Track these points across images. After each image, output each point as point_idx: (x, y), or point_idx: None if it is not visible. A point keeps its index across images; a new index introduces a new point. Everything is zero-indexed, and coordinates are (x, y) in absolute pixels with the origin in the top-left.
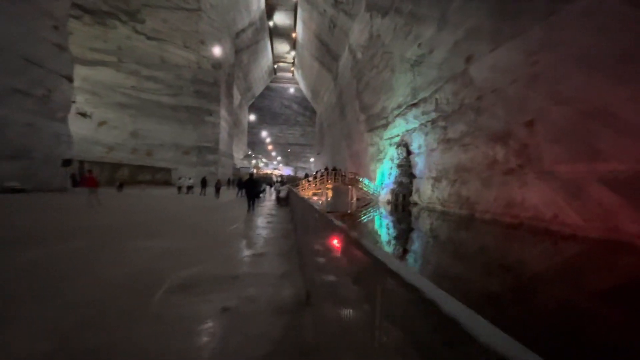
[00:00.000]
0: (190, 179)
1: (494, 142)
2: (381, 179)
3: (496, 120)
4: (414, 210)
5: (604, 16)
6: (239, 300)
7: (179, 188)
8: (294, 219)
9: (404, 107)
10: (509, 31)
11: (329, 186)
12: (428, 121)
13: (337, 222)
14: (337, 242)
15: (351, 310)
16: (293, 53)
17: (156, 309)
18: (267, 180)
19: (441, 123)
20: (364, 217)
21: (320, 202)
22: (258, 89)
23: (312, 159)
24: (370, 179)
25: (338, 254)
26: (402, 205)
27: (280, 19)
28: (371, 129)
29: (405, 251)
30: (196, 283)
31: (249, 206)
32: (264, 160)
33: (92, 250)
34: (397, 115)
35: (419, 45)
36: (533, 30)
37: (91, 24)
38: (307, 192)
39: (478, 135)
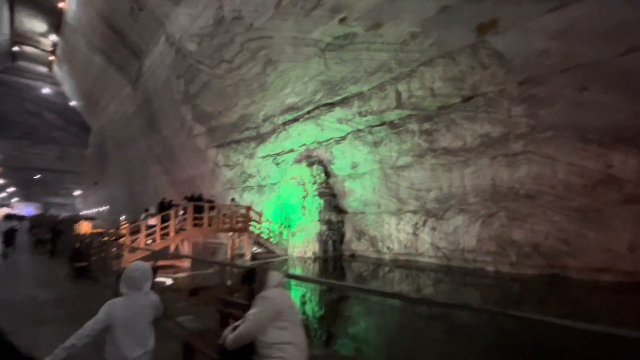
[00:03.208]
0: None
1: (605, 147)
2: (280, 217)
3: (600, 112)
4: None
5: None
6: None
7: None
8: None
9: (306, 110)
10: None
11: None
12: (378, 124)
13: None
14: None
15: None
16: (55, 38)
17: None
18: None
19: (415, 126)
20: None
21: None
22: None
23: (76, 192)
24: None
25: None
26: (334, 259)
27: None
28: (222, 145)
29: None
30: None
31: None
32: None
33: None
34: (292, 122)
35: (342, 20)
36: None
37: None
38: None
39: (549, 138)
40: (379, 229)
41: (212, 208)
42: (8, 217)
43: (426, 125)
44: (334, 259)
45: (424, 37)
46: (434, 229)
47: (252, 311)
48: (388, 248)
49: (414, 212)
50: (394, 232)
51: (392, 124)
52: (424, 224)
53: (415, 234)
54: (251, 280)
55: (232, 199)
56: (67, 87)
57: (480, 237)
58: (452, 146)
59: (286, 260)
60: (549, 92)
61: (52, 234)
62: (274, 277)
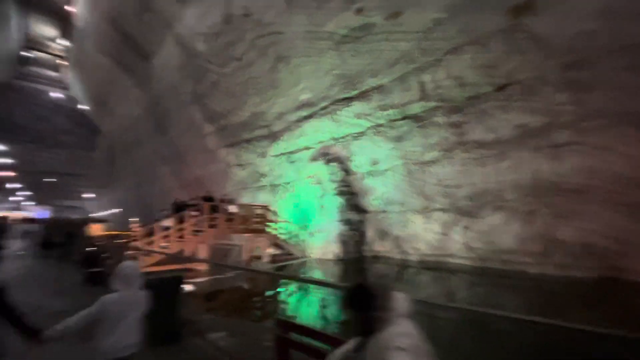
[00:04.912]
0: None
1: None
2: (297, 217)
3: None
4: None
5: None
6: None
7: None
8: None
9: (321, 106)
10: None
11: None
12: (400, 118)
13: None
14: None
15: None
16: (64, 42)
17: None
18: None
19: (442, 118)
20: None
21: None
22: None
23: (87, 195)
24: None
25: None
26: (356, 259)
27: None
28: (233, 144)
29: None
30: None
31: None
32: None
33: None
34: (306, 119)
35: (359, 11)
36: None
37: None
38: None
39: (599, 126)
40: (404, 229)
41: (225, 209)
42: (28, 220)
43: (454, 117)
44: (355, 261)
45: (450, 24)
46: (466, 228)
47: None
48: (414, 249)
49: (443, 210)
50: (420, 232)
51: (416, 117)
52: (455, 223)
53: (445, 234)
54: (365, 304)
55: (230, 200)
56: (76, 90)
57: (520, 236)
58: (485, 139)
59: (305, 262)
60: (598, 76)
61: (64, 237)
62: (402, 301)
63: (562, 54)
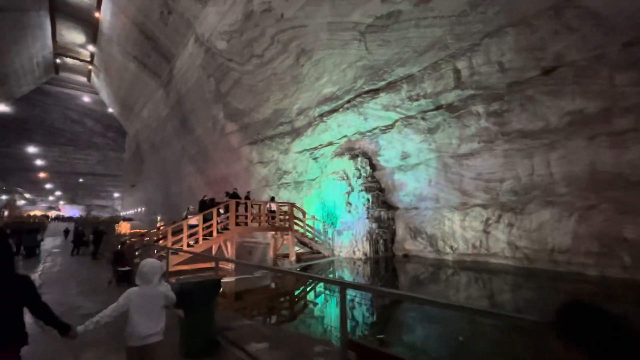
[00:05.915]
0: None
1: None
2: (324, 214)
3: None
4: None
5: None
6: None
7: None
8: None
9: (346, 99)
10: None
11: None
12: (432, 109)
13: None
14: None
15: None
16: (92, 48)
17: None
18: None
19: (480, 107)
20: None
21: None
22: (19, 87)
23: (116, 194)
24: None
25: None
26: (385, 259)
27: None
28: (255, 141)
29: None
30: None
31: None
32: (27, 195)
33: None
34: (330, 113)
35: None
36: None
37: None
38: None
39: None
40: (439, 226)
41: (252, 205)
42: (66, 219)
43: (495, 106)
44: (385, 260)
45: (488, 5)
46: (511, 225)
47: None
48: (451, 247)
49: (484, 206)
50: (457, 230)
51: (450, 107)
52: (497, 220)
53: (486, 232)
54: (615, 346)
55: (272, 198)
56: (104, 94)
57: (576, 234)
58: (531, 128)
59: (332, 261)
60: None
61: (93, 235)
62: None
63: (624, 30)
